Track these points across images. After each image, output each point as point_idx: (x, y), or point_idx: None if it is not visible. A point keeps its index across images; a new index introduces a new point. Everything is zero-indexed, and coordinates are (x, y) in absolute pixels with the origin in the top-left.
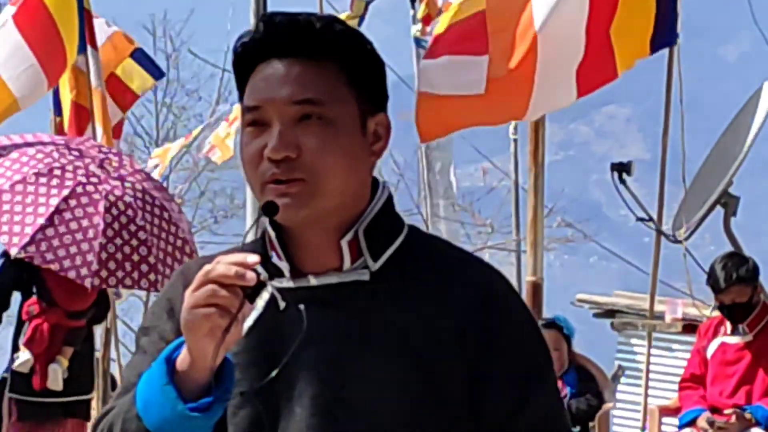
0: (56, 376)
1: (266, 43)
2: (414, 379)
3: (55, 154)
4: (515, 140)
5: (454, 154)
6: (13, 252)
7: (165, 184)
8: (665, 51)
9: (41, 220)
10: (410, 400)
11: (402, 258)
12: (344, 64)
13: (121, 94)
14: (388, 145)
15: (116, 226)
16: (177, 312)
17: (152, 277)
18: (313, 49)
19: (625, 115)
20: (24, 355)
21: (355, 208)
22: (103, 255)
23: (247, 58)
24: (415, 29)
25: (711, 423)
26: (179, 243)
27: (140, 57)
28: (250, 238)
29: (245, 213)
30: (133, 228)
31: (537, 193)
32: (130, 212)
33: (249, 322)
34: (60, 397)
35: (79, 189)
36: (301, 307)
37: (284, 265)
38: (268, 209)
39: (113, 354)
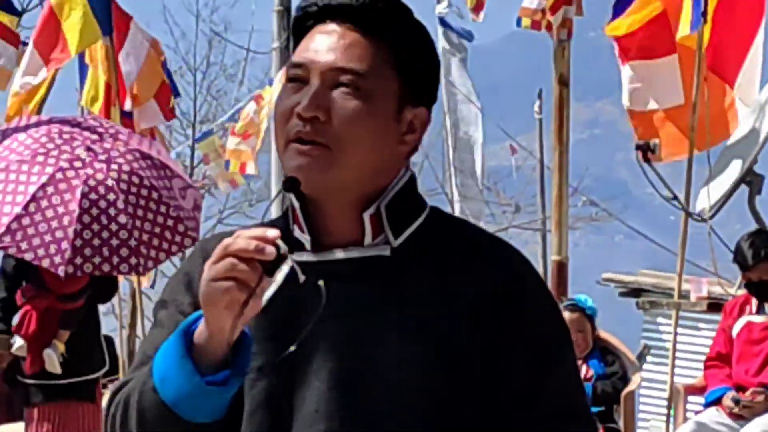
0: (52, 360)
1: (331, 7)
2: (433, 353)
3: (43, 139)
4: (540, 120)
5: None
6: None
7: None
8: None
9: (18, 209)
10: (428, 374)
11: (423, 236)
12: (396, 47)
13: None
14: (420, 141)
15: (94, 211)
16: (195, 286)
17: (133, 260)
18: (372, 25)
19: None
20: (19, 341)
21: (375, 185)
22: (78, 242)
23: (308, 17)
24: (441, 7)
25: (736, 401)
26: (170, 222)
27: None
28: (274, 210)
29: (271, 196)
30: (113, 212)
31: (562, 172)
32: (111, 196)
33: (268, 294)
34: (59, 379)
35: (59, 175)
36: (320, 282)
37: (306, 238)
38: (288, 184)
39: (139, 332)
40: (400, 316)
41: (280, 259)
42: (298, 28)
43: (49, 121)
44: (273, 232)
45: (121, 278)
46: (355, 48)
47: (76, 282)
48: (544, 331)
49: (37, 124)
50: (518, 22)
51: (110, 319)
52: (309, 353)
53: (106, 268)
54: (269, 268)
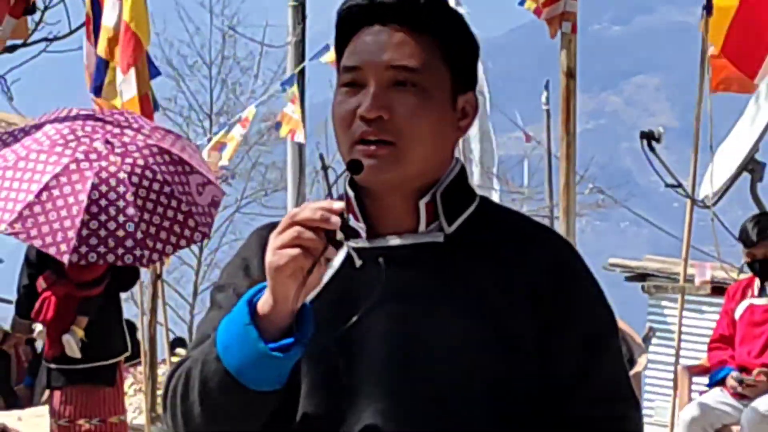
0: (71, 345)
1: (373, 8)
2: (489, 334)
3: (65, 131)
4: (548, 110)
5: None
6: (1, 228)
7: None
8: (697, 23)
9: (30, 197)
10: (485, 354)
11: (475, 224)
12: (443, 40)
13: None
14: (473, 124)
15: (103, 202)
16: (252, 270)
17: (138, 252)
18: (416, 21)
19: (654, 85)
20: (38, 326)
21: (434, 176)
22: (84, 231)
23: (351, 21)
24: (451, 2)
25: (740, 381)
26: (180, 217)
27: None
28: (289, 199)
29: (287, 188)
30: (121, 204)
31: (569, 160)
32: (121, 188)
33: (325, 279)
34: (79, 363)
35: (73, 166)
36: (381, 260)
37: (361, 226)
38: (352, 167)
39: (160, 318)
40: (456, 299)
41: (337, 244)
42: (341, 32)
43: (77, 115)
44: (339, 204)
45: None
46: (405, 46)
47: (95, 270)
48: (595, 316)
49: (65, 118)
50: (522, 2)
51: (130, 306)
52: (367, 334)
53: (110, 258)
54: (334, 239)
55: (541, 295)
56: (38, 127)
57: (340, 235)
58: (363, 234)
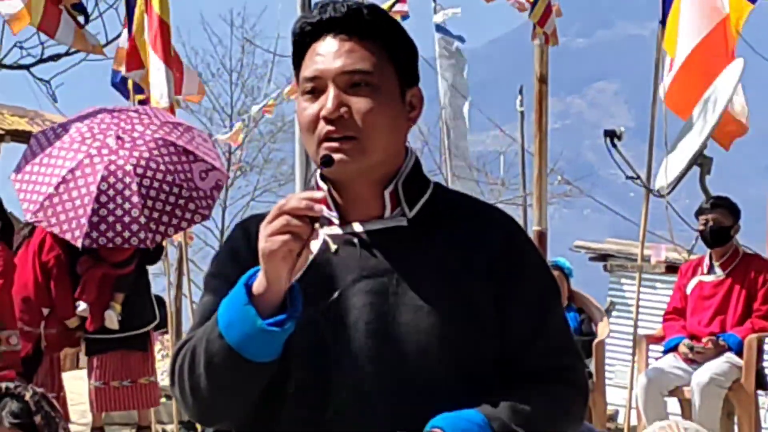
0: (111, 319)
1: (324, 23)
2: (451, 303)
3: (84, 129)
4: (522, 112)
5: (469, 123)
6: (27, 217)
7: (240, 153)
8: (655, 32)
9: (50, 189)
10: (449, 321)
11: (431, 207)
12: (386, 43)
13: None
14: (421, 114)
15: (111, 192)
16: (241, 258)
17: (142, 235)
18: (362, 30)
19: (613, 90)
20: (82, 305)
21: (394, 165)
22: (95, 218)
23: (305, 36)
24: (437, 17)
25: (690, 348)
26: (181, 202)
27: None
28: (297, 189)
29: (295, 179)
30: (127, 193)
31: (540, 155)
32: (127, 179)
33: (306, 262)
34: (116, 333)
35: (86, 160)
36: (356, 241)
37: (333, 215)
38: (325, 161)
39: (185, 291)
40: (420, 273)
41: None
42: (297, 48)
43: (97, 112)
44: (319, 194)
45: (168, 245)
46: (356, 52)
47: (124, 251)
48: (541, 281)
49: (87, 116)
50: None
51: (160, 281)
52: (346, 309)
53: (118, 241)
54: (316, 223)
55: (495, 267)
56: (67, 125)
57: (316, 224)
58: (336, 222)
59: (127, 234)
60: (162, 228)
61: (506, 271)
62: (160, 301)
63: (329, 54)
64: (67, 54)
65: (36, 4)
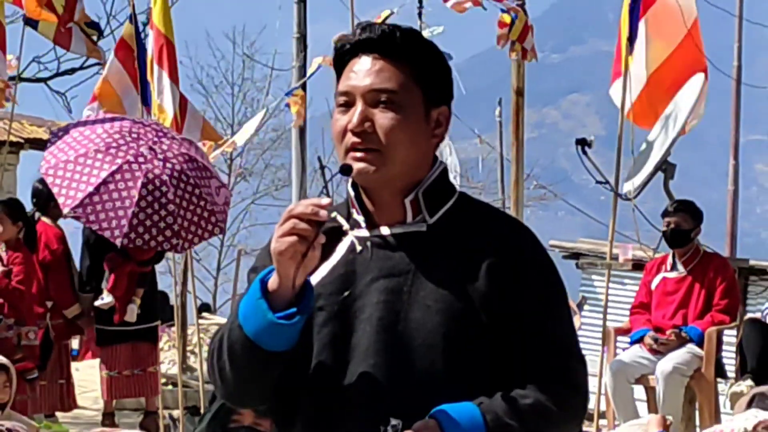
0: (132, 312)
1: (360, 43)
2: (458, 304)
3: (116, 135)
4: (500, 122)
5: (451, 133)
6: (65, 211)
7: (240, 160)
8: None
9: (90, 189)
10: (454, 321)
11: (453, 216)
12: (415, 65)
13: None
14: (447, 131)
15: (150, 198)
16: None
17: (174, 241)
18: (394, 51)
19: (585, 102)
20: (108, 298)
21: (417, 175)
22: (134, 221)
23: (345, 53)
24: (423, 34)
25: (655, 340)
26: (205, 214)
27: None
28: (294, 194)
29: (291, 183)
30: (164, 201)
31: (518, 162)
32: (164, 188)
33: (333, 261)
34: (129, 326)
35: (126, 167)
36: (368, 244)
37: (361, 218)
38: (344, 170)
39: (190, 288)
40: (433, 276)
41: (343, 233)
42: (338, 64)
43: (122, 119)
44: (326, 200)
45: None
46: (384, 72)
47: (149, 251)
48: (548, 288)
49: (112, 120)
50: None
51: (166, 277)
52: (363, 305)
53: (152, 244)
54: (329, 233)
55: (504, 272)
56: (85, 125)
57: (346, 226)
58: (363, 224)
59: (161, 238)
60: (190, 236)
61: (515, 276)
62: (164, 296)
63: (361, 72)
64: (81, 68)
65: (45, 29)
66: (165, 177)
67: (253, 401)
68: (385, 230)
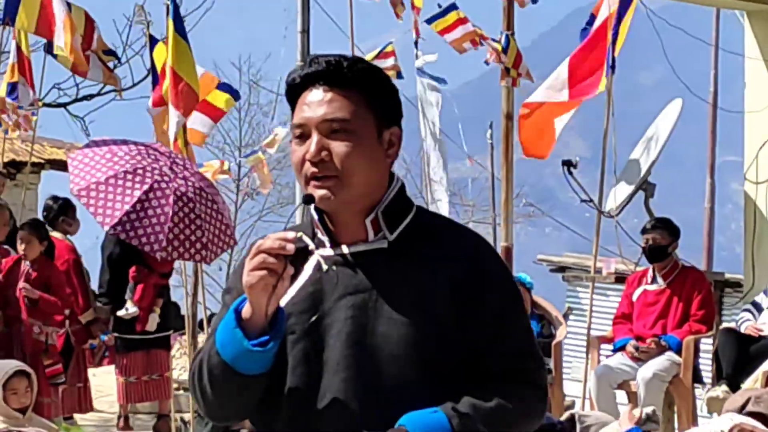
0: (153, 321)
1: (310, 75)
2: (422, 315)
3: (138, 157)
4: (491, 144)
5: (447, 153)
6: (106, 229)
7: (247, 179)
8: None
9: (127, 207)
10: (418, 331)
11: (412, 231)
12: (364, 91)
13: (213, 112)
14: (401, 149)
15: (181, 214)
16: None
17: (203, 252)
18: (343, 81)
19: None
20: (132, 309)
21: (376, 194)
22: (170, 236)
23: (296, 87)
24: (419, 62)
25: (636, 348)
26: (223, 227)
27: (223, 86)
28: (297, 213)
29: (295, 202)
30: (192, 216)
31: (508, 181)
32: (191, 204)
33: (301, 281)
34: (147, 334)
35: (156, 185)
36: (334, 267)
37: (325, 239)
38: (306, 199)
39: (200, 299)
40: (397, 292)
41: (309, 253)
42: (290, 98)
43: (133, 142)
44: (291, 234)
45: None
46: (335, 102)
47: (171, 264)
48: (506, 293)
49: (124, 142)
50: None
51: (180, 290)
52: (332, 322)
53: (186, 256)
54: (294, 260)
55: (464, 281)
56: (102, 147)
57: (311, 246)
58: (327, 244)
59: (193, 251)
60: (215, 248)
61: (474, 284)
62: (177, 306)
63: (313, 103)
64: (98, 94)
65: (64, 60)
66: (191, 194)
67: (234, 418)
68: (348, 249)
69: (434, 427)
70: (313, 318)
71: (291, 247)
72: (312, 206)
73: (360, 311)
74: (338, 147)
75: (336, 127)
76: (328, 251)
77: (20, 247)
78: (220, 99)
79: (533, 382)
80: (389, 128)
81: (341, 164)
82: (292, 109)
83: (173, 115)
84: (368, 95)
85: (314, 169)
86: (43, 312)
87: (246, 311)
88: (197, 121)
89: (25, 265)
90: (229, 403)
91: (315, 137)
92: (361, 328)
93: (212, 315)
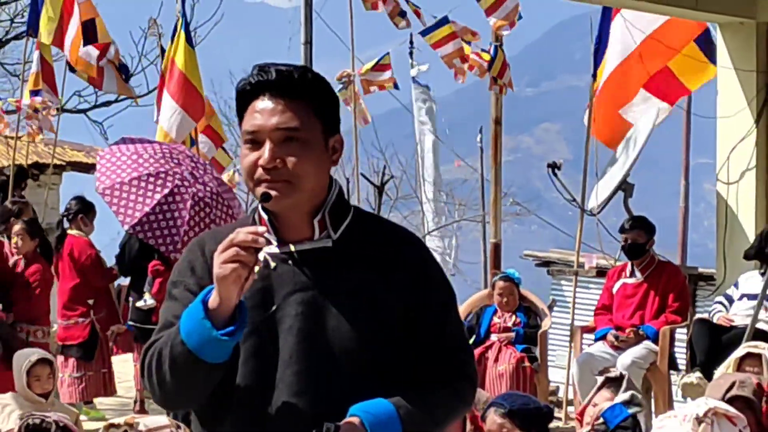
0: None
1: (260, 84)
2: (368, 313)
3: (162, 161)
4: (481, 147)
5: (440, 156)
6: (125, 228)
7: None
8: (589, 83)
9: (147, 209)
10: (366, 328)
11: (353, 230)
12: (313, 100)
13: (214, 137)
14: (342, 154)
15: (197, 219)
16: (197, 270)
17: None
18: (292, 90)
19: (556, 130)
20: (150, 301)
21: (320, 197)
22: (185, 238)
23: (246, 94)
24: (414, 71)
25: (616, 337)
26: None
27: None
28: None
29: None
30: (207, 221)
31: (496, 182)
32: (207, 209)
33: (250, 278)
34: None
35: (176, 189)
36: (290, 262)
37: (273, 238)
38: (264, 198)
39: None
40: (343, 287)
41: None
42: (240, 104)
43: (160, 144)
44: (262, 228)
45: None
46: (287, 111)
47: None
48: (443, 293)
49: (150, 142)
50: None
51: None
52: (282, 316)
53: None
54: (259, 252)
55: (405, 280)
56: (132, 144)
57: (274, 242)
58: (275, 243)
59: None
60: None
61: (414, 284)
62: None
63: (266, 111)
64: (116, 101)
65: (81, 74)
66: (207, 199)
67: (189, 405)
68: (294, 247)
69: (385, 417)
70: (272, 309)
71: (262, 240)
72: (259, 207)
73: (309, 307)
74: (291, 155)
75: (289, 135)
76: (275, 249)
77: (14, 240)
78: (221, 126)
79: (466, 374)
80: (333, 135)
81: (293, 170)
82: (240, 115)
83: (169, 107)
84: (315, 105)
85: (266, 175)
86: (28, 311)
87: (213, 302)
88: (206, 146)
89: (19, 258)
90: (189, 389)
91: (268, 145)
92: (312, 323)
93: None
